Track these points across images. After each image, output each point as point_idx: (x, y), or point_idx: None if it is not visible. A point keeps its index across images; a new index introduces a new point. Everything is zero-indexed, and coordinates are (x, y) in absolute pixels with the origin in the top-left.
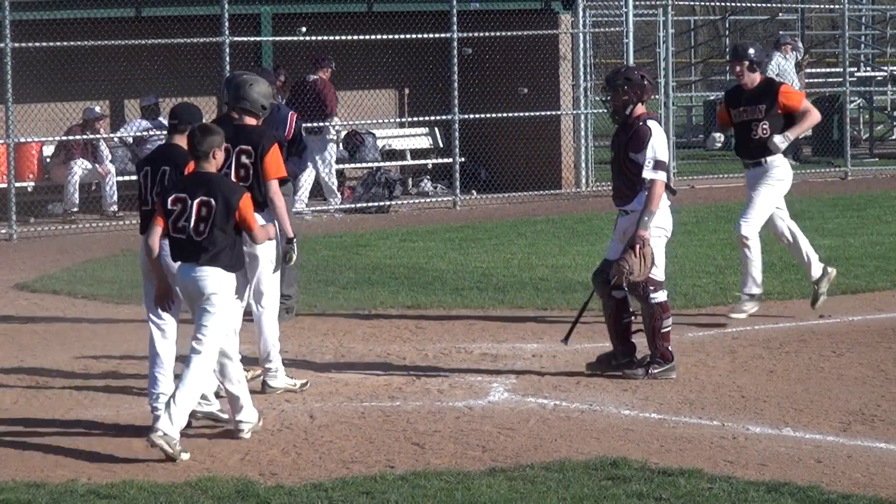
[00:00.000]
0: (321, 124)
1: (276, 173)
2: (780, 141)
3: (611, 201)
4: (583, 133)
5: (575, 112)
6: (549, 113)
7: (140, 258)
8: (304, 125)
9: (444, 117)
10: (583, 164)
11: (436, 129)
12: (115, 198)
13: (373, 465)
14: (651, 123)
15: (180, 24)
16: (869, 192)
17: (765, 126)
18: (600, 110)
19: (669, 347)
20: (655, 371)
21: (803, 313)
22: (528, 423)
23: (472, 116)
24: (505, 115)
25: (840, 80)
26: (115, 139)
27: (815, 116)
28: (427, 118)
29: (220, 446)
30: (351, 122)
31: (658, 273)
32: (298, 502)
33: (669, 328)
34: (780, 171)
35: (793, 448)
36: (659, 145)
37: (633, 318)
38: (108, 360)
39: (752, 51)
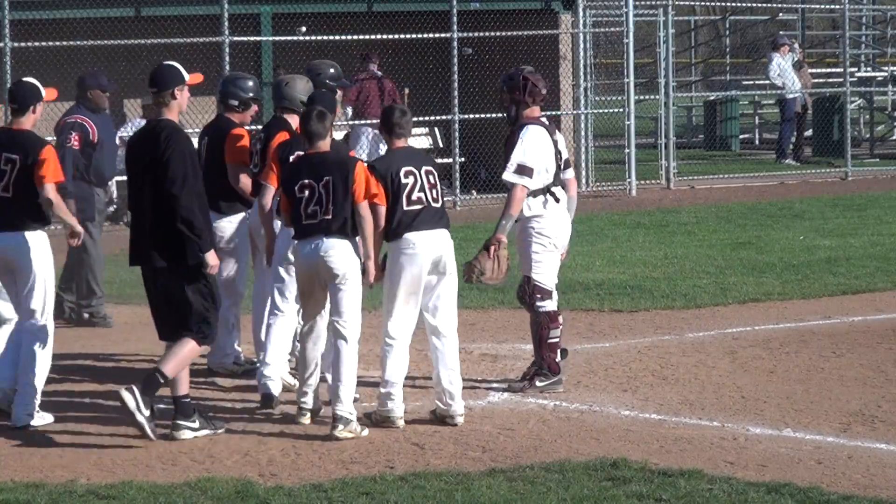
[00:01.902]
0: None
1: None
2: None
3: (611, 201)
4: (583, 133)
5: (575, 112)
6: (549, 113)
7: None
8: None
9: (444, 117)
10: (583, 164)
11: (436, 129)
12: (115, 197)
13: (372, 465)
14: (530, 127)
15: (180, 23)
16: (869, 192)
17: None
18: (601, 110)
19: (557, 360)
20: (540, 384)
21: (803, 314)
22: (527, 423)
23: (472, 116)
24: (505, 115)
25: (840, 80)
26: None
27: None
28: (427, 118)
29: (219, 446)
30: (351, 122)
31: (546, 282)
32: (298, 503)
33: (557, 339)
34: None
35: (793, 449)
36: (529, 150)
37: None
38: (108, 360)
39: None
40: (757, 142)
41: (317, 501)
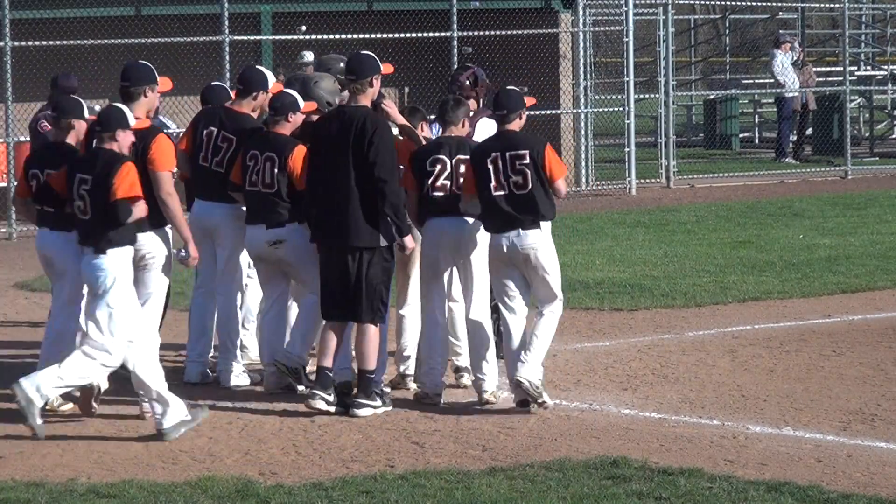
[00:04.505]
0: None
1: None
2: None
3: (611, 200)
4: (583, 132)
5: (575, 111)
6: (549, 112)
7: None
8: None
9: None
10: (583, 163)
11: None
12: None
13: (373, 464)
14: None
15: (180, 23)
16: (869, 191)
17: None
18: (600, 109)
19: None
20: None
21: (803, 312)
22: (528, 422)
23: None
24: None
25: (840, 78)
26: None
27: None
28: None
29: (219, 446)
30: None
31: None
32: (298, 501)
33: None
34: None
35: (793, 447)
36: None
37: None
38: None
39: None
40: (757, 140)
41: (317, 500)
